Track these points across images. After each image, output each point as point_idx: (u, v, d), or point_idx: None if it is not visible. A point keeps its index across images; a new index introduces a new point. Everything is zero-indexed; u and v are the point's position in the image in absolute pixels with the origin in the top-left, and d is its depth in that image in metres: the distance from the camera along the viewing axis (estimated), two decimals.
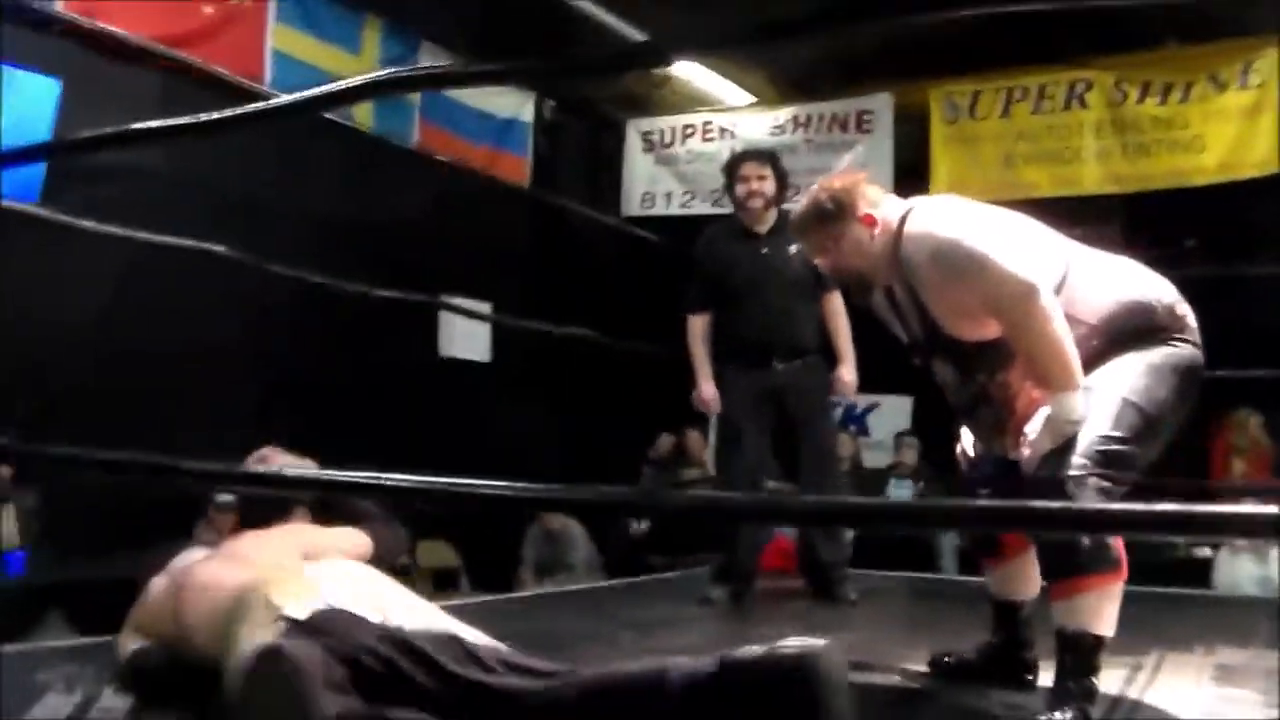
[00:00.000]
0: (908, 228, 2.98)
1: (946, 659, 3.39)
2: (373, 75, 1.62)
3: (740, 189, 5.37)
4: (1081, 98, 7.47)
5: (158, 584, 2.95)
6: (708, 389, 5.47)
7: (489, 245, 8.58)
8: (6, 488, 5.85)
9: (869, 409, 9.64)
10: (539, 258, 9.15)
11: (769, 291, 5.24)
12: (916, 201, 3.18)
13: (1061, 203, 7.58)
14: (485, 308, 8.62)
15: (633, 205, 9.20)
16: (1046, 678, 2.88)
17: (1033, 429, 2.84)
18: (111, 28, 6.43)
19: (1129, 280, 2.97)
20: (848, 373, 5.36)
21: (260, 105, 2.08)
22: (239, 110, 2.12)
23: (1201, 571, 6.84)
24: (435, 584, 7.44)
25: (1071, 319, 2.84)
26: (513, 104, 9.00)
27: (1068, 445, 2.75)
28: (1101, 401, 2.78)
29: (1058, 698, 2.70)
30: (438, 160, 8.34)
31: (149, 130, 2.46)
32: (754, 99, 9.07)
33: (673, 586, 6.07)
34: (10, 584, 5.46)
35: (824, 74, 8.27)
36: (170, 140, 4.80)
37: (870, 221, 3.07)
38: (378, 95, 6.15)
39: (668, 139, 9.17)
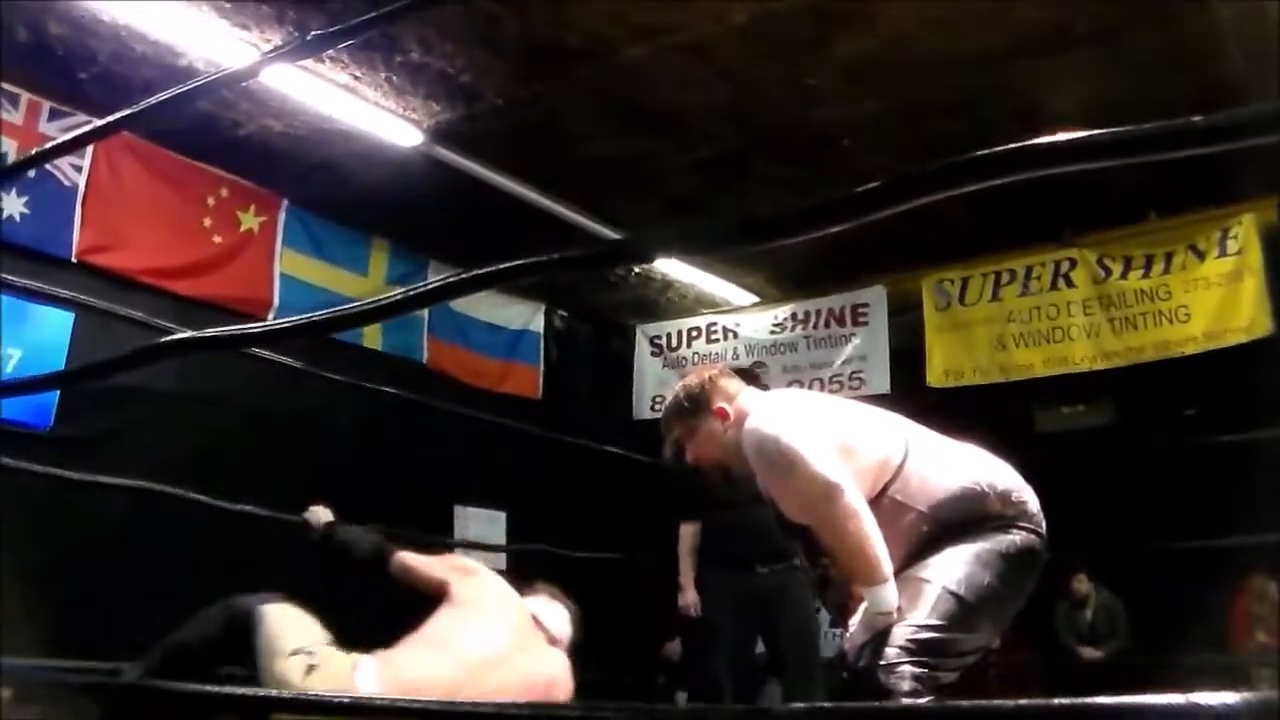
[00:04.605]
0: (748, 421, 3.12)
1: None
2: (360, 303, 1.73)
3: None
4: (1067, 276, 7.54)
5: None
6: (688, 595, 5.63)
7: (503, 455, 8.74)
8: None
9: None
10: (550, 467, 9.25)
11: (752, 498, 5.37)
12: (767, 394, 3.36)
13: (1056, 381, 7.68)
14: (500, 517, 8.76)
15: (644, 409, 9.32)
16: None
17: (853, 621, 2.92)
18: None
19: (964, 467, 3.04)
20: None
21: (266, 326, 2.14)
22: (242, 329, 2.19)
23: None
24: None
25: (904, 506, 2.97)
26: (523, 315, 9.29)
27: (884, 635, 2.80)
28: (922, 591, 2.85)
29: None
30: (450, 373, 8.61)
31: (154, 349, 2.38)
32: (756, 298, 9.27)
33: None
34: None
35: (820, 269, 8.45)
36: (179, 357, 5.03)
37: (723, 415, 3.25)
38: (379, 320, 6.38)
39: (674, 342, 9.34)
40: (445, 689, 3.35)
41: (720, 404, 3.26)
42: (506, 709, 1.18)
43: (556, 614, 4.09)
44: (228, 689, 2.05)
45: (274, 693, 2.84)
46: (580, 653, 4.22)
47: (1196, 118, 0.84)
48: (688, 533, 5.74)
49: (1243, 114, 0.86)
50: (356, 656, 3.57)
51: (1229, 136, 0.86)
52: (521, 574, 8.44)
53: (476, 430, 8.53)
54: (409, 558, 4.13)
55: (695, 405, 3.31)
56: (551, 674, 3.85)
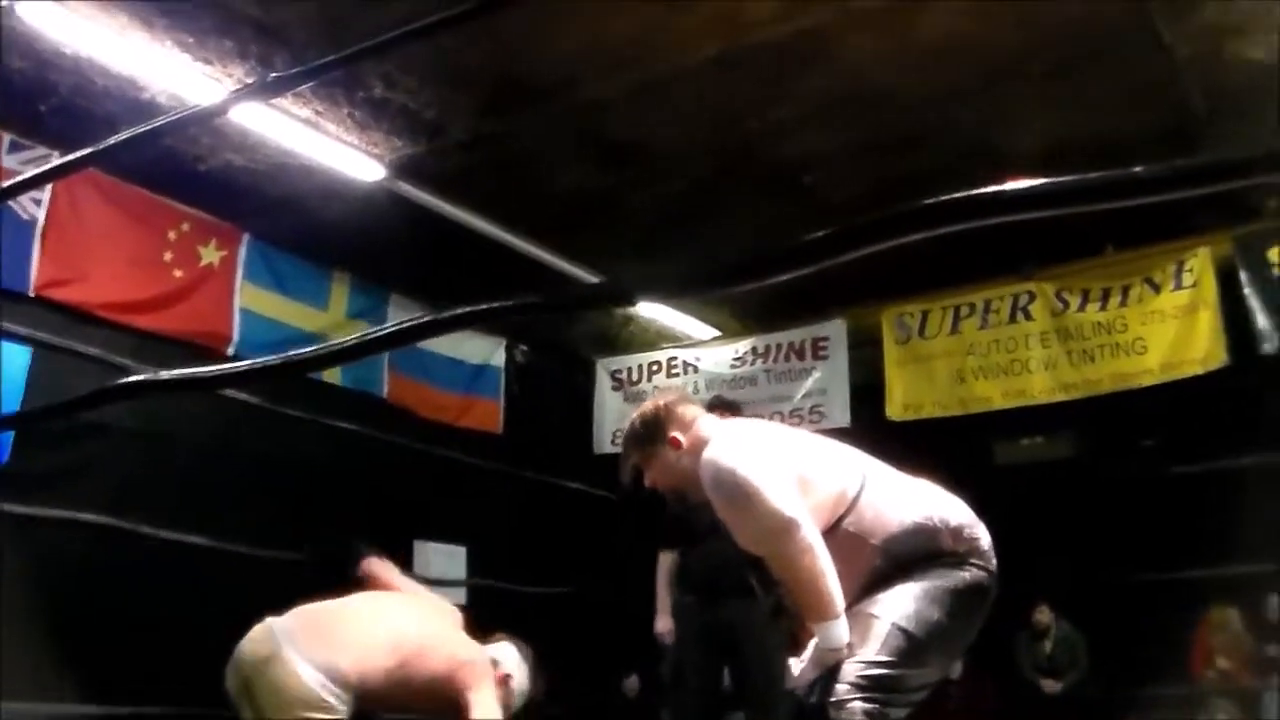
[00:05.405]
0: (704, 452, 3.12)
1: None
2: (342, 341, 1.69)
3: None
4: (1025, 310, 7.63)
5: None
6: (662, 622, 5.64)
7: (463, 489, 8.73)
8: None
9: None
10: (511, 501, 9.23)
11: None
12: (725, 423, 3.37)
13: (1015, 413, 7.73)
14: (460, 552, 8.72)
15: (604, 443, 9.33)
16: None
17: (804, 656, 2.95)
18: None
19: (918, 502, 3.06)
20: None
21: (234, 367, 2.12)
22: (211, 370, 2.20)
23: None
24: None
25: (858, 538, 2.98)
26: (484, 350, 9.26)
27: (834, 672, 2.82)
28: (872, 627, 2.87)
29: None
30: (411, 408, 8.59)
31: (117, 390, 2.42)
32: (716, 332, 9.32)
33: None
34: None
35: (781, 304, 8.47)
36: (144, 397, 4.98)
37: (676, 444, 3.24)
38: (353, 360, 6.32)
39: (635, 376, 9.38)
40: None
41: (674, 433, 3.26)
42: None
43: (506, 650, 4.21)
44: None
45: None
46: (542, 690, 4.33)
47: (1139, 168, 0.87)
48: (666, 561, 5.74)
49: (1183, 165, 0.89)
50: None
51: (1171, 186, 0.89)
52: (479, 609, 8.53)
53: (437, 465, 8.51)
54: (378, 564, 4.44)
55: (650, 432, 3.31)
56: (470, 658, 4.03)
